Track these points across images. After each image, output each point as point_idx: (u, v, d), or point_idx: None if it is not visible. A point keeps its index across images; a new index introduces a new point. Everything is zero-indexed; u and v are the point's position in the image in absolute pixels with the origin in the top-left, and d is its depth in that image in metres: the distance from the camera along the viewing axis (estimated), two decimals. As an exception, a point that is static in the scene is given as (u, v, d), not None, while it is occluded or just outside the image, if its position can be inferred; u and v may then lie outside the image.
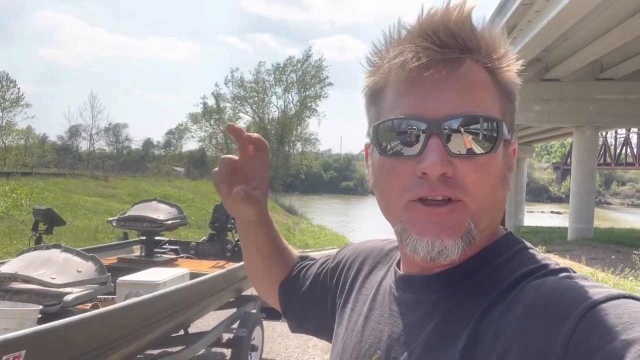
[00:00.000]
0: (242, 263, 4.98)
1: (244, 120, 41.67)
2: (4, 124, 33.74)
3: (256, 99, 41.06)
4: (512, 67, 0.58)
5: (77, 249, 2.81)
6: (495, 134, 0.54)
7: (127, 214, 4.61)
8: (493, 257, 0.58)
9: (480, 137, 0.54)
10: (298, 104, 41.05)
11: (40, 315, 2.38)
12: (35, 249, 2.87)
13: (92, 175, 21.13)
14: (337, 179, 65.22)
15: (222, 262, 4.81)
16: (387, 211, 0.59)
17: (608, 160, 40.11)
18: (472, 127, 0.53)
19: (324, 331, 0.80)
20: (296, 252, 0.93)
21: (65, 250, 2.81)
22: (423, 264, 0.58)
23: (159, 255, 4.56)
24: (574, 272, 0.54)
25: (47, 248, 2.85)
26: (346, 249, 0.84)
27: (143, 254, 4.52)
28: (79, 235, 10.64)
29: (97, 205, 14.52)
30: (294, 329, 0.88)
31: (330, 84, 40.28)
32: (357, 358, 0.63)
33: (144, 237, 4.54)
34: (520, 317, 0.48)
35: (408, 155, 0.54)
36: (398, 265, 0.67)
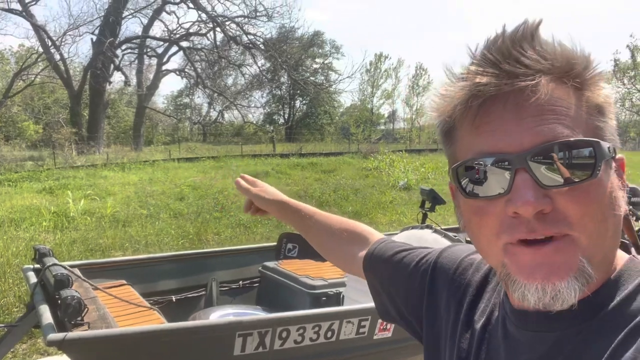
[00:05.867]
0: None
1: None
2: (418, 107, 39.64)
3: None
4: (597, 79, 0.52)
5: (446, 231, 3.05)
6: (592, 157, 0.49)
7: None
8: (619, 288, 0.51)
9: (576, 163, 0.48)
10: None
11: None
12: (412, 227, 3.31)
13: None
14: None
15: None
16: (486, 255, 0.55)
17: None
18: (563, 153, 0.48)
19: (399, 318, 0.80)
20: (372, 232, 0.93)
21: (435, 231, 3.10)
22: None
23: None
24: None
25: (422, 228, 3.23)
26: (451, 252, 0.75)
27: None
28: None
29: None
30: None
31: None
32: None
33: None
34: None
35: (495, 195, 0.50)
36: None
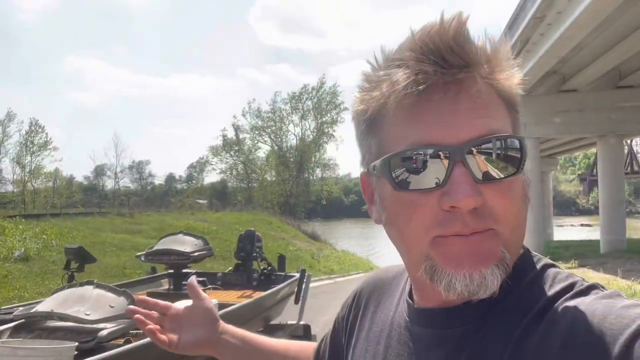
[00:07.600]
0: (269, 291, 4.92)
1: (263, 150, 42.37)
2: (32, 167, 34.82)
3: (274, 128, 41.70)
4: (514, 76, 0.53)
5: (110, 285, 2.87)
6: (519, 153, 0.50)
7: (154, 248, 4.68)
8: (516, 279, 0.52)
9: (506, 159, 0.49)
10: (315, 130, 41.49)
11: (76, 352, 2.42)
12: (69, 287, 2.94)
13: (118, 212, 21.51)
14: (358, 203, 65.05)
15: (249, 292, 4.82)
16: (409, 250, 0.53)
17: (636, 168, 39.09)
18: (495, 148, 0.49)
19: None
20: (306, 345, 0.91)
21: (98, 286, 2.87)
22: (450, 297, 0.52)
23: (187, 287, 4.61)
24: (603, 287, 0.51)
25: (81, 285, 2.92)
26: (350, 293, 0.78)
27: (172, 287, 4.57)
28: (108, 272, 10.78)
29: (124, 242, 14.73)
30: None
31: (345, 108, 40.65)
32: None
33: (172, 270, 4.60)
34: (559, 349, 0.44)
35: (429, 187, 0.49)
36: (410, 295, 0.61)
